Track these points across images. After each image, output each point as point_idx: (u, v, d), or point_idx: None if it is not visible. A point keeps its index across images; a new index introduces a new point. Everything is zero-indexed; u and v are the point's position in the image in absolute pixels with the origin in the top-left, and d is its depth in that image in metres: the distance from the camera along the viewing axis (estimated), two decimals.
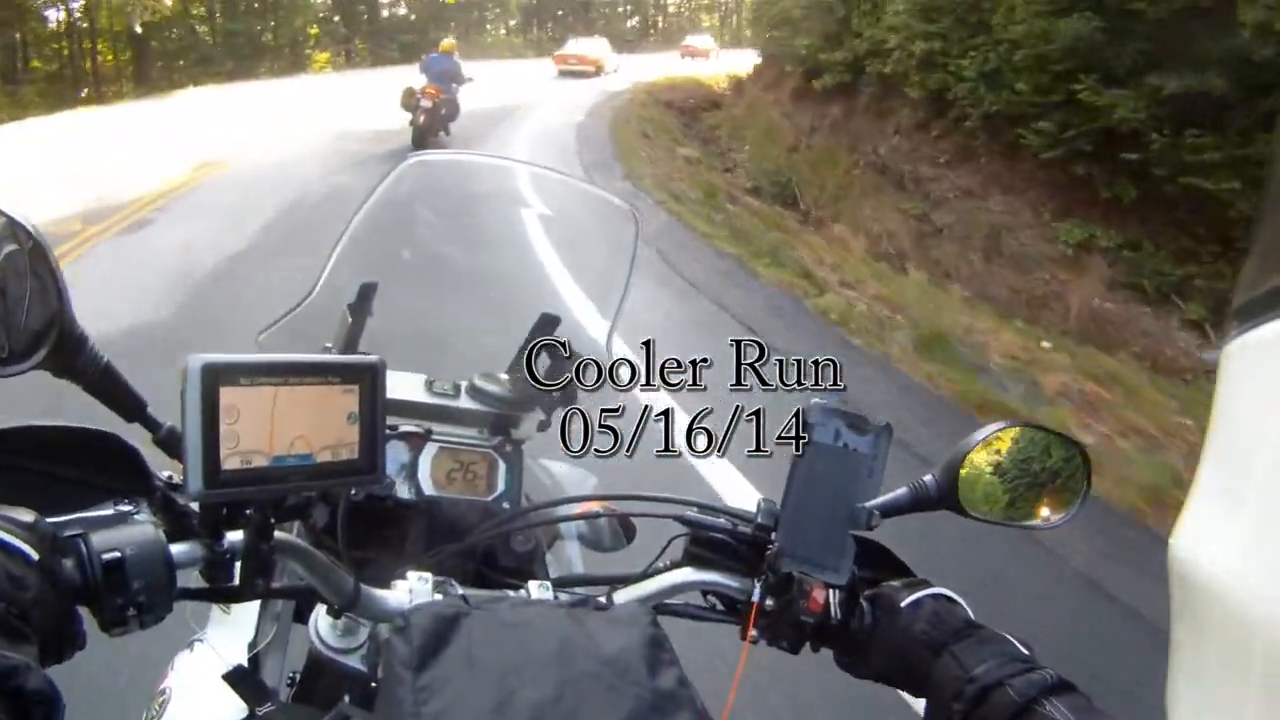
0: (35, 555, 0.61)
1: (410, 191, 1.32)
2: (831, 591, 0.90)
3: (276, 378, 0.72)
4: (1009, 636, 0.79)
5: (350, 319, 1.14)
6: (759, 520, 0.96)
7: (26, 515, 0.63)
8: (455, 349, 1.34)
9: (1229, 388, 0.35)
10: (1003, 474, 0.95)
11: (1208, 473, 0.35)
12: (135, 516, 0.71)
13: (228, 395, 0.69)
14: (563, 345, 1.18)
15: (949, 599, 0.86)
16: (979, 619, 0.84)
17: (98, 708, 1.74)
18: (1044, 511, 0.95)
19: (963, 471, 0.92)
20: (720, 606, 0.98)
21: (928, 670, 0.80)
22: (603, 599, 0.90)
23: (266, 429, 0.71)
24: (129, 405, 0.80)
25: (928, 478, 0.94)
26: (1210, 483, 0.34)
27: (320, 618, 0.89)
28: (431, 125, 12.04)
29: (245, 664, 1.01)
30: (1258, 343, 0.33)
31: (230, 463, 0.69)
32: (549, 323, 1.24)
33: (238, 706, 0.93)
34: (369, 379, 0.77)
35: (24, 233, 0.74)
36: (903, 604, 0.85)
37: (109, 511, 0.71)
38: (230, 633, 1.15)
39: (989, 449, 0.94)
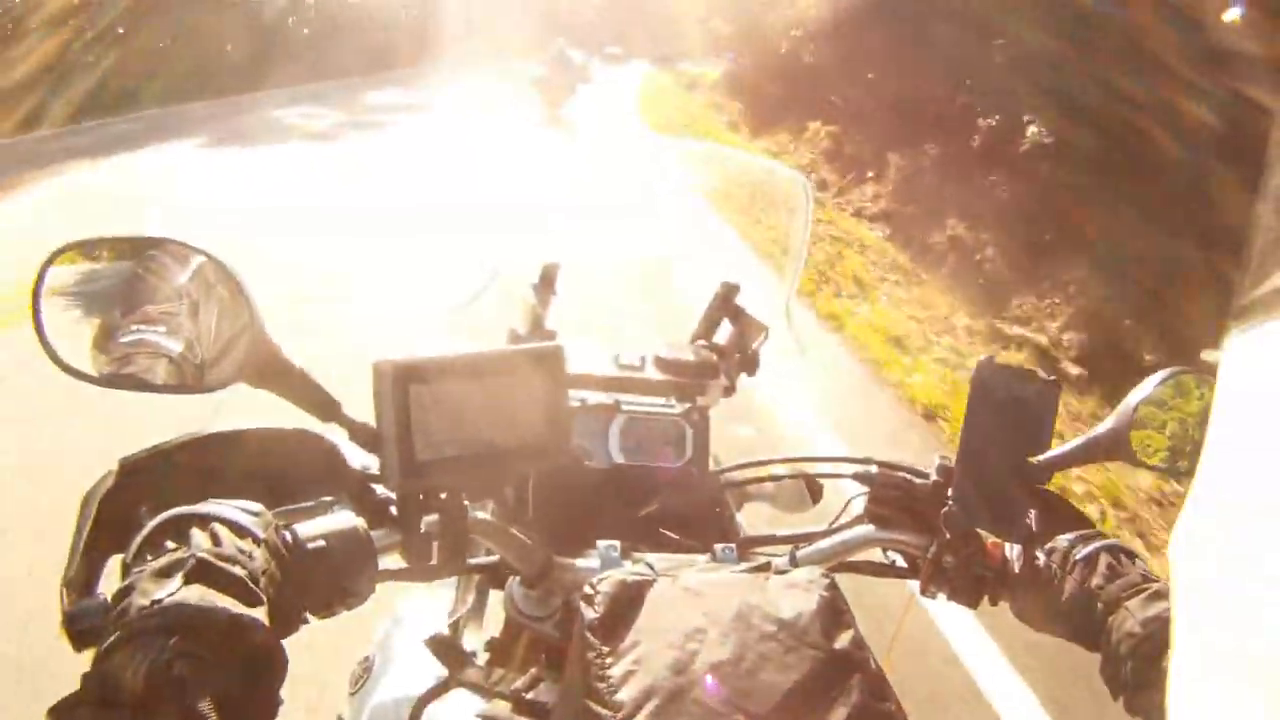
0: (262, 534, 0.68)
1: (592, 172, 1.37)
2: (1007, 545, 0.91)
3: (461, 372, 0.77)
4: None
5: (535, 299, 1.19)
6: (935, 477, 0.97)
7: (253, 505, 0.70)
8: (642, 319, 1.38)
9: (1229, 387, 0.35)
10: (1176, 422, 0.93)
11: (1208, 472, 0.34)
12: (336, 507, 0.77)
13: (418, 391, 0.75)
14: (743, 312, 1.20)
15: (1125, 551, 0.85)
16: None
17: (304, 677, 1.88)
18: None
19: (1135, 419, 0.91)
20: (900, 562, 1.00)
21: (1101, 625, 0.79)
22: (785, 559, 0.93)
23: (455, 420, 0.77)
24: (325, 407, 0.84)
25: (1100, 428, 0.93)
26: (1211, 483, 0.33)
27: (515, 587, 0.95)
28: None
29: (445, 631, 1.09)
30: (1257, 342, 0.33)
31: (424, 453, 0.75)
32: (730, 290, 1.26)
33: (438, 671, 1.01)
34: (549, 364, 0.81)
35: (196, 252, 0.81)
36: (1077, 557, 0.84)
37: (311, 503, 0.77)
38: (430, 604, 1.24)
39: (1162, 396, 0.92)
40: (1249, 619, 0.30)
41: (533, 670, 0.93)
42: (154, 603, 0.57)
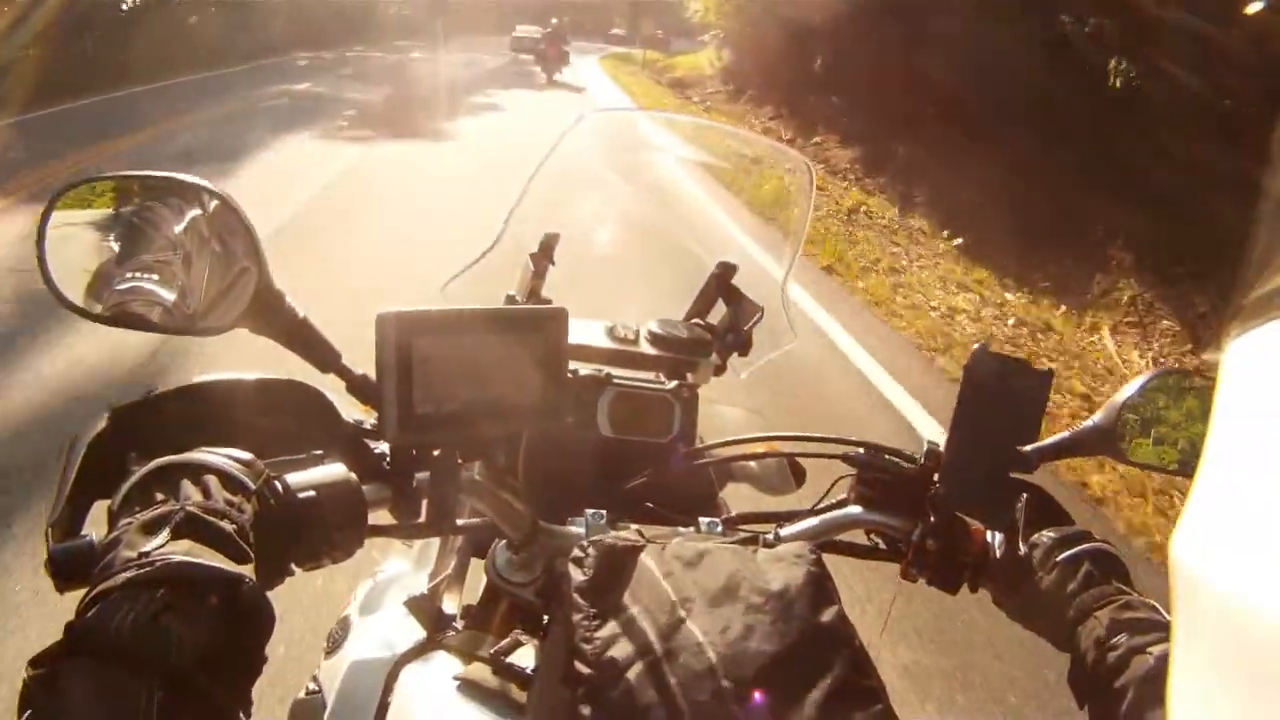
0: (253, 485, 0.67)
1: (588, 145, 1.36)
2: (991, 534, 0.92)
3: (465, 328, 0.77)
4: (1159, 607, 0.79)
5: (533, 268, 1.19)
6: (923, 461, 0.97)
7: (243, 454, 0.69)
8: (634, 296, 1.38)
9: (1230, 387, 0.35)
10: (1164, 421, 0.94)
11: (1209, 472, 0.34)
12: (327, 459, 0.76)
13: (420, 345, 0.74)
14: (739, 293, 1.21)
15: (1108, 556, 0.86)
16: None
17: (285, 630, 1.88)
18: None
19: (1123, 416, 0.93)
20: (883, 545, 1.00)
21: (1074, 629, 0.80)
22: (770, 536, 0.93)
23: (455, 376, 0.76)
24: (324, 357, 0.84)
25: (1089, 422, 0.95)
26: (1212, 483, 0.34)
27: (499, 552, 0.95)
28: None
29: (425, 594, 1.09)
30: (1258, 343, 0.34)
31: (422, 408, 0.75)
32: (727, 270, 1.26)
33: (417, 631, 1.01)
34: (551, 327, 0.81)
35: (209, 195, 0.80)
36: (1059, 558, 0.85)
37: (303, 455, 0.76)
38: (411, 566, 1.24)
39: (1152, 394, 0.94)
40: (1251, 619, 0.30)
41: (513, 634, 0.93)
42: (141, 555, 0.56)
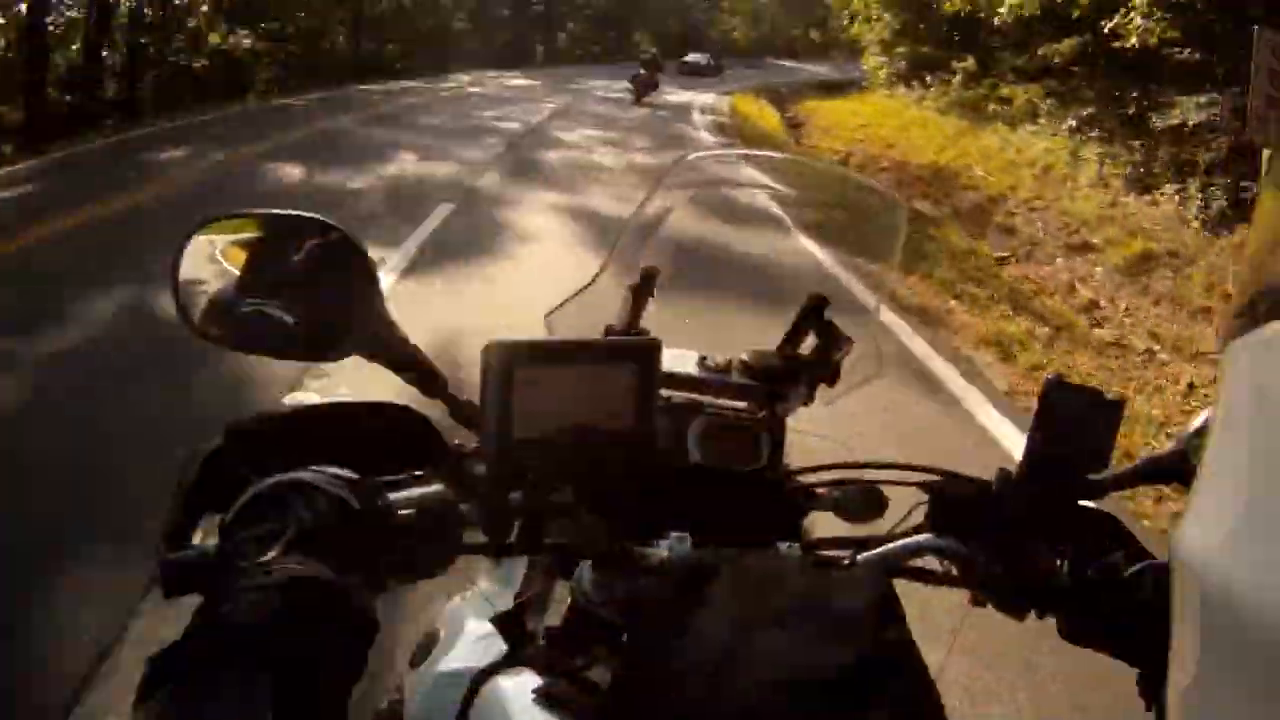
0: (357, 504, 0.72)
1: (685, 185, 1.40)
2: (1060, 560, 0.91)
3: (563, 358, 0.82)
4: None
5: (633, 301, 1.23)
6: (995, 488, 0.97)
7: (349, 473, 0.74)
8: (728, 328, 1.41)
9: (1230, 387, 0.35)
10: None
11: (1210, 472, 0.34)
12: (429, 480, 0.81)
13: (522, 373, 0.79)
14: (830, 325, 1.23)
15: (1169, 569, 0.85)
16: None
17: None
18: None
19: (1195, 445, 0.91)
20: (953, 571, 1.00)
21: (1148, 640, 0.80)
22: (845, 560, 0.95)
23: (554, 402, 0.81)
24: (431, 383, 0.89)
25: (1162, 450, 0.94)
26: (1213, 483, 0.34)
27: (584, 571, 0.98)
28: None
29: (511, 610, 1.13)
30: (1258, 342, 0.34)
31: (520, 433, 0.80)
32: (818, 302, 1.28)
33: (501, 647, 1.04)
34: (646, 357, 0.85)
35: (329, 228, 0.85)
36: (1127, 574, 0.85)
37: (404, 475, 0.81)
38: (499, 585, 1.28)
39: None
40: (1252, 619, 0.30)
41: (594, 652, 0.96)
42: (258, 565, 0.61)
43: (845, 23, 23.01)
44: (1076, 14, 14.08)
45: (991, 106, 17.56)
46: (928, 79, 21.76)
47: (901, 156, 16.24)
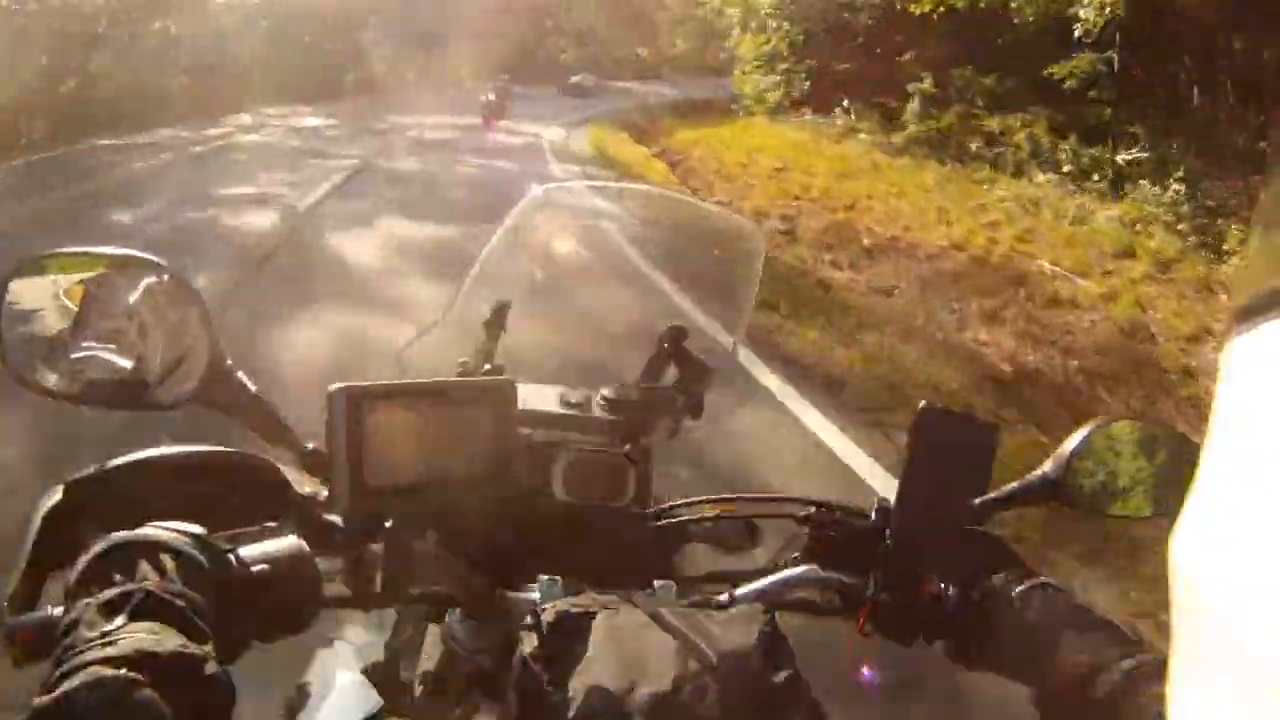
0: (206, 562, 0.67)
1: (539, 217, 1.39)
2: (944, 585, 0.93)
3: (413, 401, 0.78)
4: (1116, 621, 0.81)
5: (486, 335, 1.21)
6: (874, 518, 0.99)
7: (196, 529, 0.70)
8: (586, 361, 1.40)
9: (1229, 388, 0.35)
10: (1109, 469, 0.98)
11: (1209, 473, 0.34)
12: (281, 532, 0.76)
13: (370, 419, 0.76)
14: (689, 355, 1.22)
15: (1056, 587, 0.88)
16: None
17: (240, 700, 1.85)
18: (1149, 504, 0.98)
19: (1070, 465, 0.96)
20: (837, 601, 1.01)
21: (1037, 658, 0.82)
22: (724, 596, 0.94)
23: (406, 446, 0.78)
24: (275, 430, 0.85)
25: (1037, 472, 0.97)
26: (1212, 483, 0.34)
27: (453, 619, 0.95)
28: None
29: (382, 661, 1.08)
30: (1258, 342, 0.34)
31: (373, 480, 0.76)
32: (677, 333, 1.28)
33: (375, 700, 1.00)
34: (500, 397, 0.83)
35: (158, 270, 0.81)
36: (1013, 594, 0.87)
37: (256, 528, 0.77)
38: (370, 634, 1.23)
39: (1097, 443, 0.97)
40: (1250, 620, 0.30)
41: (468, 702, 0.93)
42: (103, 635, 0.57)
43: (710, 40, 21.64)
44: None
45: (974, 145, 13.79)
46: (845, 103, 17.70)
47: (900, 233, 9.89)
